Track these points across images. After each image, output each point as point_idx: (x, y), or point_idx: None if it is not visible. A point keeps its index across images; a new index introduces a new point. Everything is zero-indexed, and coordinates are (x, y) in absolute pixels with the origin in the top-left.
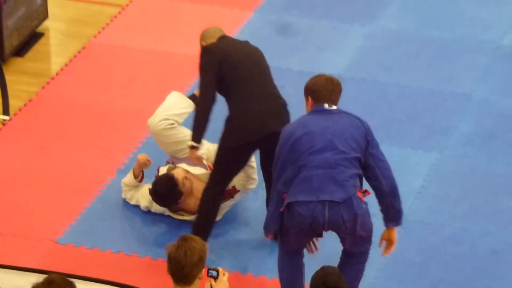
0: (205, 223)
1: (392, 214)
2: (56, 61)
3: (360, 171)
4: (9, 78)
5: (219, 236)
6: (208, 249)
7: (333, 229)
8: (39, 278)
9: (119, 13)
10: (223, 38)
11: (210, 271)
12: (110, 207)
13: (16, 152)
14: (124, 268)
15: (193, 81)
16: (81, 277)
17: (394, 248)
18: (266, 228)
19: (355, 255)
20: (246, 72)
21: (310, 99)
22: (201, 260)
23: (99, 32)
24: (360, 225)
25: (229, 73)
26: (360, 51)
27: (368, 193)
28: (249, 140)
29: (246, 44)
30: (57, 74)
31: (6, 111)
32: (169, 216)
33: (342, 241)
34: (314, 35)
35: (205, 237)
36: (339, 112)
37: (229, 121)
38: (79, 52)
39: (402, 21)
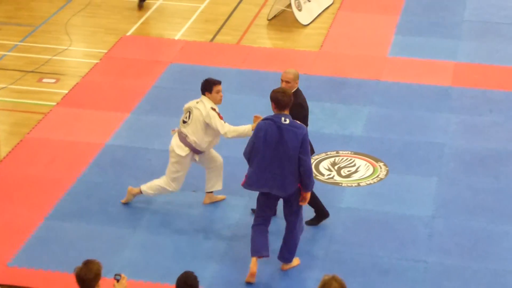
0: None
1: (304, 185)
2: (5, 150)
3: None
4: None
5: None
6: (102, 267)
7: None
8: None
9: (43, 118)
10: (299, 91)
11: (116, 275)
12: (42, 241)
13: None
14: (46, 280)
15: (92, 159)
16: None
17: (305, 202)
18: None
19: (291, 222)
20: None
21: (273, 104)
22: (96, 276)
23: (30, 131)
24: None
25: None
26: None
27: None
28: None
29: None
30: (5, 157)
31: None
32: (85, 244)
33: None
34: (169, 127)
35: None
36: (288, 125)
37: None
38: (18, 143)
39: (224, 116)
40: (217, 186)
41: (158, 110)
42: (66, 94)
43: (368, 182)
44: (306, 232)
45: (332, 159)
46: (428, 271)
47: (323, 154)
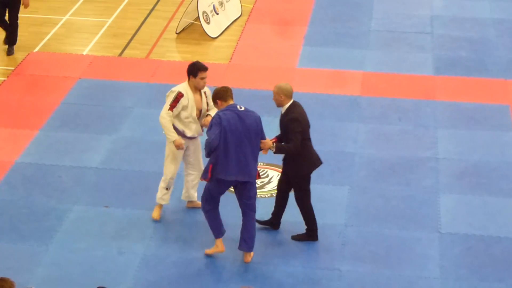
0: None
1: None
2: None
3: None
4: None
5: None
6: (15, 286)
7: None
8: None
9: None
10: (296, 105)
11: None
12: None
13: None
14: None
15: (2, 177)
16: None
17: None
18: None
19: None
20: (308, 133)
21: (219, 102)
22: None
23: None
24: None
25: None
26: (110, 151)
27: (259, 177)
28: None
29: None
30: None
31: None
32: None
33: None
34: (79, 143)
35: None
36: (245, 111)
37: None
38: None
39: (135, 131)
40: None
41: (68, 126)
42: None
43: (268, 195)
44: None
45: None
46: (342, 279)
47: None
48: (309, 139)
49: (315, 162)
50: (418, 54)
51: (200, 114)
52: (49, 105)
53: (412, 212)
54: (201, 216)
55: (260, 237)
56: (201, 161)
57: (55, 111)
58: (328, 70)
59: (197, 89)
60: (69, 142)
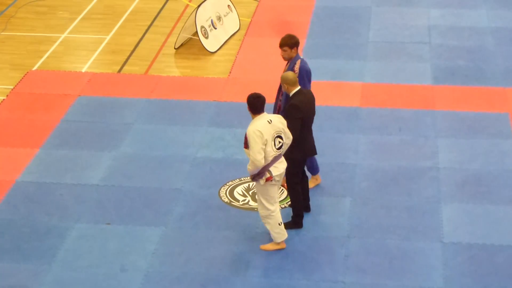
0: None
1: None
2: None
3: None
4: None
5: None
6: None
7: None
8: None
9: None
10: (300, 93)
11: None
12: None
13: None
14: None
15: (3, 196)
16: None
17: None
18: None
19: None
20: (310, 122)
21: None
22: None
23: None
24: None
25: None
26: (111, 168)
27: None
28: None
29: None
30: None
31: None
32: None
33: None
34: (79, 161)
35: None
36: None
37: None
38: None
39: (135, 147)
40: None
41: (68, 144)
42: None
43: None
44: (224, 258)
45: (246, 185)
46: None
47: (237, 180)
48: (308, 127)
49: (308, 151)
50: (416, 64)
51: None
52: (49, 123)
53: (414, 222)
54: (203, 232)
55: (263, 250)
56: None
57: (55, 129)
58: (327, 81)
59: None
60: (70, 159)
